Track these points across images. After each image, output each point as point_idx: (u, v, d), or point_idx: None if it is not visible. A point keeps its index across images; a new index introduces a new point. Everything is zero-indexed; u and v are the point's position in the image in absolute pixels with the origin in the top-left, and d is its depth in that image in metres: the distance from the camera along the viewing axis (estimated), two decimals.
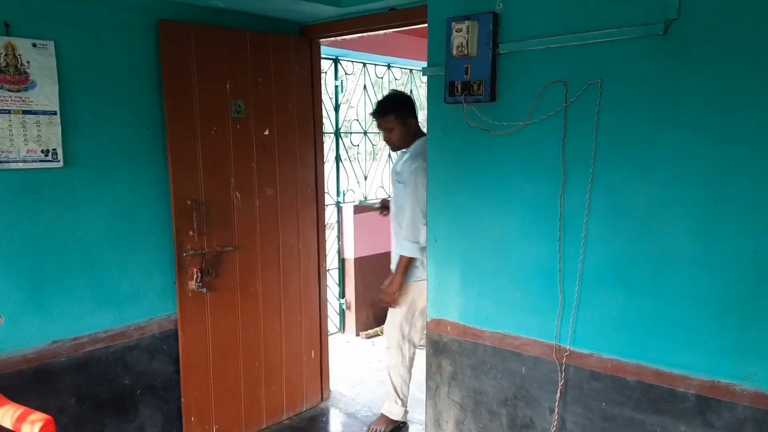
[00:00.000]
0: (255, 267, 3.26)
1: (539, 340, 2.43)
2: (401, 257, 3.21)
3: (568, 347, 2.35)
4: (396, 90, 3.69)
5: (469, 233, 2.62)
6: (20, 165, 2.42)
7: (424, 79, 5.79)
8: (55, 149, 2.51)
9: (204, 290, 3.00)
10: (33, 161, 2.45)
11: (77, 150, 2.59)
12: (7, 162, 2.38)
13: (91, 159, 2.64)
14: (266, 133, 3.26)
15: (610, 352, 2.26)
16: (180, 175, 2.89)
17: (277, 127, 3.31)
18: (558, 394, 2.39)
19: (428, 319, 2.83)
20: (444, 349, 2.74)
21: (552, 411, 2.42)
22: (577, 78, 2.25)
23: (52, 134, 2.49)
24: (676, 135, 2.06)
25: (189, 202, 2.93)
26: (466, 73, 2.49)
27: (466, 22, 2.42)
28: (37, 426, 1.93)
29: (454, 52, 2.48)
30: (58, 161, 2.52)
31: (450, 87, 2.55)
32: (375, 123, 3.35)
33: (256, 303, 3.28)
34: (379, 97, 5.23)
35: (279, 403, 3.45)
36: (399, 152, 3.41)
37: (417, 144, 3.25)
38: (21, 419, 1.97)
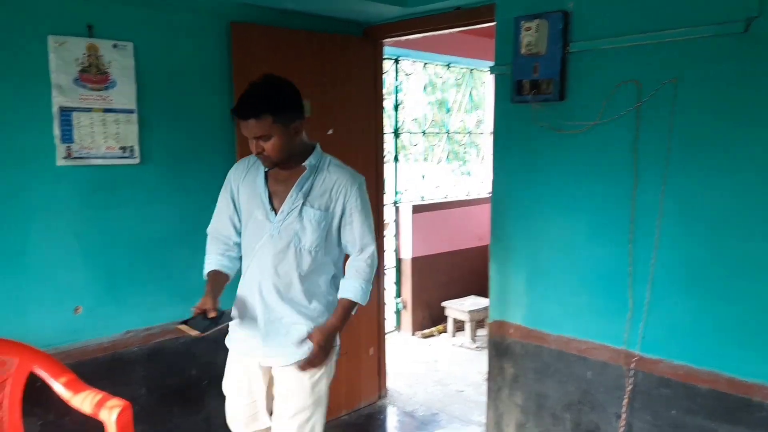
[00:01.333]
0: None
1: (607, 345, 2.39)
2: (345, 302, 2.09)
3: (637, 352, 2.30)
4: (271, 76, 1.98)
5: (533, 234, 2.59)
6: (100, 161, 2.53)
7: (483, 77, 5.80)
8: (132, 146, 2.61)
9: None
10: (112, 158, 2.56)
11: (152, 148, 2.68)
12: (88, 158, 2.49)
13: (165, 156, 2.73)
14: (330, 132, 3.30)
15: (682, 359, 2.20)
16: None
17: (341, 127, 3.35)
18: (625, 400, 2.34)
19: (489, 320, 2.81)
20: (506, 351, 2.72)
21: (618, 417, 2.37)
22: (650, 77, 2.20)
23: (130, 132, 2.59)
24: (757, 137, 1.99)
25: None
26: (535, 72, 2.47)
27: (536, 21, 2.40)
28: (116, 411, 2.01)
29: (523, 50, 2.46)
30: (135, 158, 2.62)
31: (517, 86, 2.53)
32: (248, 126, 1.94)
33: None
34: (438, 98, 5.24)
35: (337, 399, 3.48)
36: (279, 169, 2.06)
37: (319, 156, 2.10)
38: (100, 404, 2.06)
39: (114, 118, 2.55)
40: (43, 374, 2.18)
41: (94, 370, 2.55)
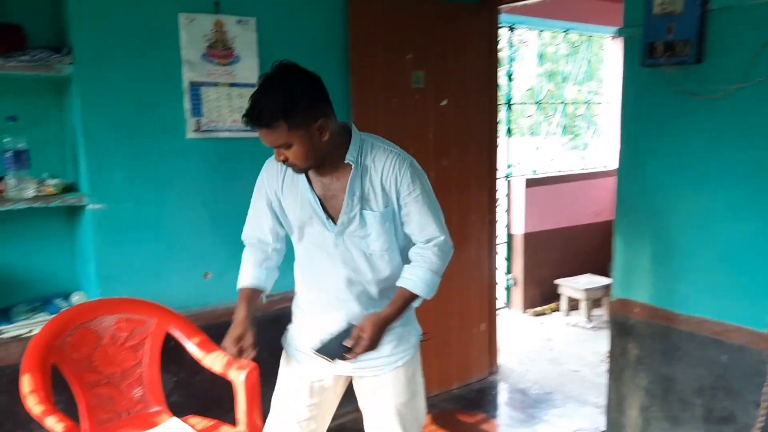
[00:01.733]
0: None
1: (746, 328, 2.21)
2: (406, 293, 1.77)
3: None
4: (284, 67, 1.66)
5: (664, 208, 2.42)
6: (225, 134, 2.64)
7: (602, 44, 5.48)
8: None
9: None
10: (236, 131, 2.66)
11: None
12: (216, 131, 2.61)
13: None
14: (443, 103, 3.25)
15: None
16: None
17: (455, 98, 3.29)
18: (766, 388, 2.15)
19: (611, 299, 2.68)
20: (630, 331, 2.58)
21: (757, 405, 2.19)
22: None
23: None
24: None
25: None
26: (669, 33, 2.29)
27: None
28: (244, 372, 2.11)
29: (656, 10, 2.28)
30: (256, 132, 2.71)
31: (649, 49, 2.36)
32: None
33: None
34: (552, 67, 5.03)
35: (449, 372, 3.48)
36: (316, 172, 1.79)
37: (358, 144, 1.77)
38: (229, 364, 2.17)
39: (238, 92, 2.64)
40: (177, 334, 2.32)
41: (222, 332, 2.66)
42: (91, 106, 2.33)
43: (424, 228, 1.78)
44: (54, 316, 2.22)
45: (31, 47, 2.25)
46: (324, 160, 1.71)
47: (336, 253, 1.80)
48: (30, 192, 2.26)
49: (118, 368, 2.22)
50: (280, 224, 1.91)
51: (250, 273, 1.92)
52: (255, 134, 2.64)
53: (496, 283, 3.73)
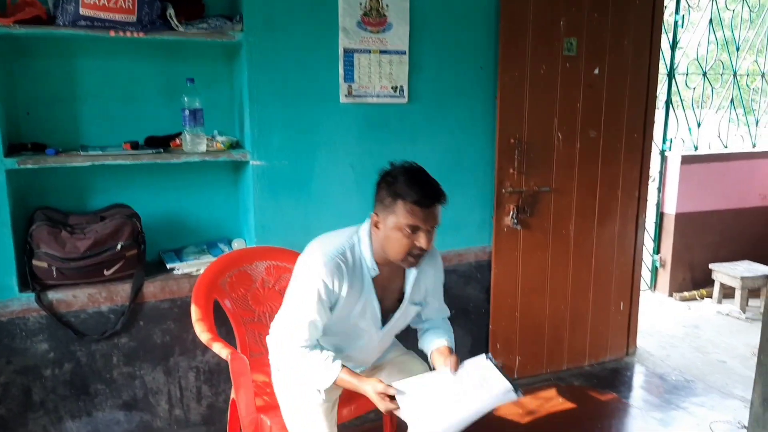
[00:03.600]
0: (569, 210, 3.23)
1: None
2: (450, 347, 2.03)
3: None
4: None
5: None
6: (374, 99, 2.76)
7: None
8: (402, 86, 2.79)
9: (518, 227, 3.09)
10: (384, 96, 2.77)
11: (419, 88, 2.84)
12: (365, 96, 2.74)
13: (430, 97, 2.87)
14: (596, 72, 3.13)
15: None
16: (507, 113, 2.98)
17: (608, 67, 3.16)
18: None
19: None
20: None
21: None
22: None
23: (401, 72, 2.78)
24: None
25: (512, 141, 3.01)
26: None
27: None
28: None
29: None
30: (404, 97, 2.81)
31: None
32: (433, 210, 1.78)
33: (567, 246, 3.27)
34: (725, 36, 4.60)
35: (582, 348, 3.43)
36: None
37: None
38: None
39: (388, 59, 2.74)
40: None
41: None
42: (257, 70, 2.55)
43: (441, 308, 2.14)
44: (218, 258, 2.50)
45: (208, 15, 2.51)
46: None
47: (370, 347, 2.04)
48: (203, 147, 2.54)
49: (267, 308, 2.47)
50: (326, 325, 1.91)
51: (332, 357, 1.85)
52: (402, 100, 2.79)
53: (641, 261, 3.58)
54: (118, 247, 2.42)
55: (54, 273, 2.36)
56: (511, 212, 3.07)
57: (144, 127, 2.60)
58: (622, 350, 3.57)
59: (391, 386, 1.75)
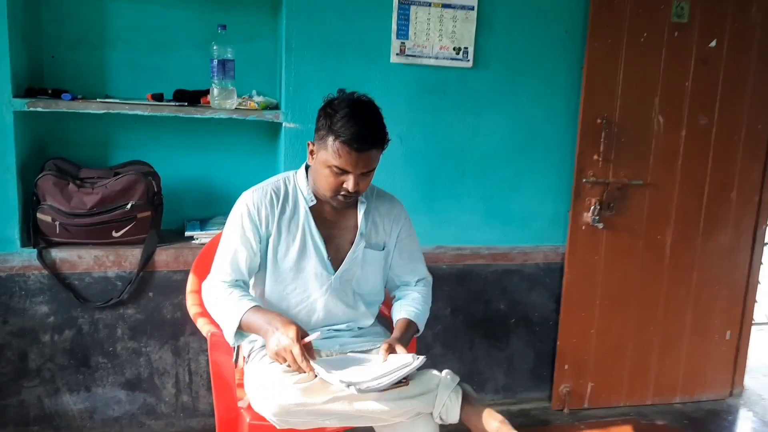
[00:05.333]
0: (668, 210, 2.66)
1: None
2: (413, 326, 1.75)
3: None
4: (367, 97, 1.66)
5: None
6: (431, 61, 2.37)
7: None
8: (466, 48, 2.38)
9: (600, 225, 2.57)
10: (444, 58, 2.38)
11: (487, 50, 2.42)
12: (421, 57, 2.35)
13: (500, 61, 2.45)
14: (712, 44, 2.56)
15: None
16: (594, 88, 2.48)
17: (729, 39, 2.57)
18: None
19: None
20: None
21: None
22: None
23: (466, 31, 2.37)
24: None
25: (599, 121, 2.50)
26: None
27: None
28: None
29: None
30: (468, 60, 2.40)
31: None
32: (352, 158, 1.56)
33: (662, 254, 2.69)
34: None
35: (672, 380, 2.83)
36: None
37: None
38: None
39: (451, 14, 2.35)
40: None
41: None
42: (297, 17, 2.25)
43: (416, 268, 1.87)
44: None
45: None
46: None
47: (325, 298, 1.72)
48: (232, 102, 2.26)
49: None
50: (259, 264, 1.72)
51: (247, 298, 1.61)
52: (465, 64, 2.38)
53: (757, 283, 2.92)
54: (129, 206, 2.18)
55: (57, 229, 2.15)
56: (593, 207, 2.56)
57: (175, 80, 2.37)
58: (725, 389, 2.93)
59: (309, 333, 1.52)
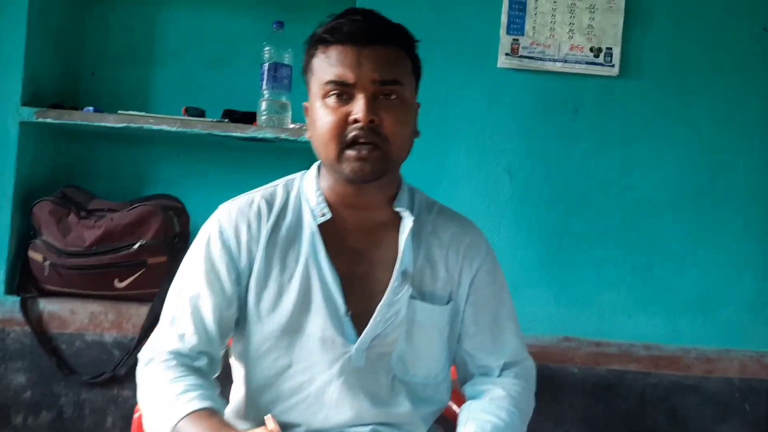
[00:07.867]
0: None
1: None
2: None
3: None
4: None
5: None
6: (558, 66, 1.70)
7: None
8: (609, 48, 1.70)
9: None
10: (575, 63, 1.70)
11: (642, 52, 1.73)
12: (541, 60, 1.69)
13: (662, 68, 1.74)
14: None
15: None
16: None
17: None
18: None
19: None
20: None
21: None
22: None
23: (609, 26, 1.70)
24: None
25: None
26: None
27: None
28: None
29: None
30: (612, 66, 1.71)
31: None
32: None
33: None
34: None
35: None
36: (350, 215, 1.02)
37: (408, 190, 1.07)
38: None
39: (588, 3, 1.69)
40: None
41: None
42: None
43: (503, 344, 1.07)
44: None
45: None
46: (392, 169, 0.99)
47: (334, 378, 0.98)
48: (283, 119, 1.72)
49: None
50: (238, 318, 1.02)
51: (195, 390, 0.91)
52: (609, 71, 1.68)
53: None
54: (136, 246, 1.66)
55: (46, 271, 1.67)
56: None
57: (228, 101, 1.91)
58: None
59: None
